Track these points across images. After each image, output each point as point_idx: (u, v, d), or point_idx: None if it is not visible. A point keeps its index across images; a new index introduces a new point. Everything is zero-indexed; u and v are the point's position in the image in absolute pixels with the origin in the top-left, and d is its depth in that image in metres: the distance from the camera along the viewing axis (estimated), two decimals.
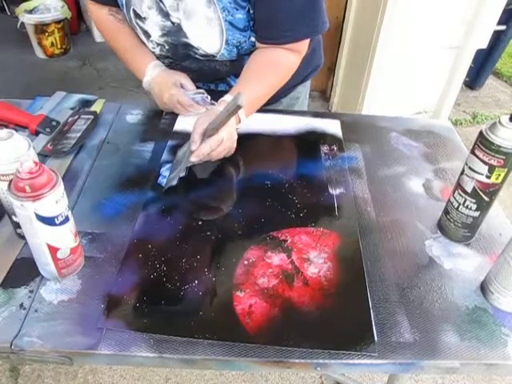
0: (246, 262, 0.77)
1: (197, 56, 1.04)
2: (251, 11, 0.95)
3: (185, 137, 1.05)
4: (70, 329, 0.66)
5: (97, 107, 1.14)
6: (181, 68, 1.09)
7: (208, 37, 0.99)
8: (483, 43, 2.41)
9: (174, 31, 1.00)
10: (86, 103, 1.16)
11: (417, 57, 2.34)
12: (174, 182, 0.90)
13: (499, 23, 2.43)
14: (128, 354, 0.64)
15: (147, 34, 1.04)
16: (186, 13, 0.96)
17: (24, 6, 3.20)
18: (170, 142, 1.04)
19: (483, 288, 0.75)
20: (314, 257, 0.79)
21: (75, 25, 3.63)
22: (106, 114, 1.13)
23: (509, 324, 0.71)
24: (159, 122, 1.11)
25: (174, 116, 1.12)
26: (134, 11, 1.01)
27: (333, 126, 1.13)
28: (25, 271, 0.73)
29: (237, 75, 1.05)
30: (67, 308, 0.69)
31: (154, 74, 1.07)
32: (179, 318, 0.68)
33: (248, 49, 1.03)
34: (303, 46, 1.03)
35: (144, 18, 1.01)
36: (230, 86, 1.13)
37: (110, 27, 1.12)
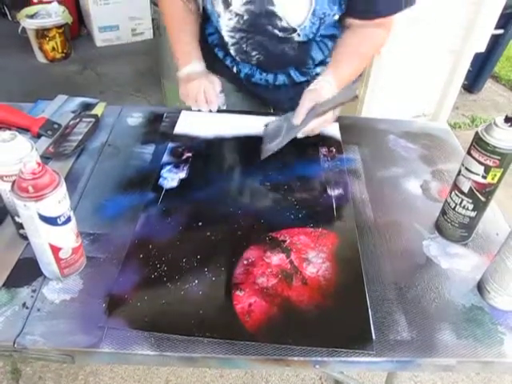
0: (245, 262, 0.78)
1: (275, 31, 1.04)
2: None
3: (185, 139, 1.07)
4: (72, 328, 0.67)
5: (98, 110, 1.15)
6: (250, 44, 1.10)
7: (296, 4, 0.99)
8: (481, 47, 2.42)
9: None
10: (88, 106, 1.17)
11: (415, 60, 2.35)
12: (271, 151, 0.98)
13: (497, 27, 2.44)
14: (129, 352, 0.65)
15: (227, 3, 1.03)
16: None
17: (25, 11, 3.22)
18: (170, 145, 1.05)
19: (480, 287, 0.76)
20: (313, 257, 0.80)
21: (76, 29, 3.65)
22: (107, 117, 1.14)
23: (505, 323, 0.72)
24: (160, 125, 1.12)
25: (175, 119, 1.13)
26: None
27: (331, 129, 1.13)
28: (27, 271, 0.74)
29: (298, 65, 1.11)
30: (69, 307, 0.70)
31: (199, 66, 1.13)
32: (180, 316, 0.69)
33: (328, 24, 1.05)
34: (392, 20, 1.05)
35: None
36: (290, 78, 1.17)
37: (177, 11, 1.15)
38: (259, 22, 1.04)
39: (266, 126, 1.07)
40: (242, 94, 1.26)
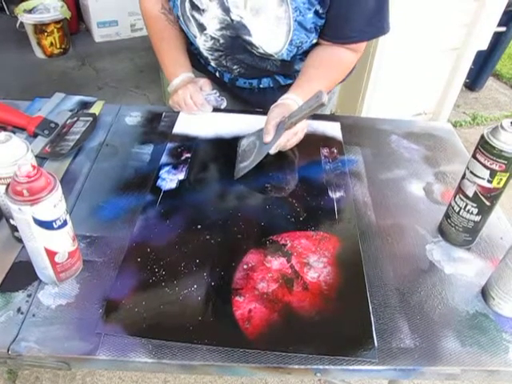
0: (245, 267, 0.76)
1: (253, 51, 1.04)
2: (320, 11, 0.95)
3: (184, 139, 1.05)
4: (68, 334, 0.66)
5: (96, 109, 1.13)
6: (230, 60, 1.09)
7: (273, 36, 0.98)
8: (483, 45, 2.40)
9: (236, 26, 0.99)
10: (85, 105, 1.15)
11: (417, 58, 2.34)
12: (246, 171, 0.95)
13: (499, 25, 2.43)
14: (126, 359, 0.64)
15: (202, 27, 1.02)
16: (254, 10, 0.95)
17: (23, 5, 3.18)
18: (169, 145, 1.03)
19: (484, 293, 0.75)
20: (314, 261, 0.78)
21: (74, 25, 3.62)
22: (105, 115, 1.12)
23: (510, 330, 0.70)
24: (158, 125, 1.11)
25: (173, 118, 1.11)
26: (191, 2, 0.99)
27: (333, 129, 1.12)
28: (22, 275, 0.73)
29: (284, 75, 1.08)
30: (65, 313, 0.68)
31: (187, 76, 1.11)
32: (178, 323, 0.68)
33: (306, 50, 1.03)
34: (364, 46, 1.04)
35: (203, 10, 0.99)
36: (275, 81, 1.15)
37: (158, 25, 1.13)
38: (236, 44, 1.03)
39: (240, 143, 1.04)
40: (228, 95, 1.24)
